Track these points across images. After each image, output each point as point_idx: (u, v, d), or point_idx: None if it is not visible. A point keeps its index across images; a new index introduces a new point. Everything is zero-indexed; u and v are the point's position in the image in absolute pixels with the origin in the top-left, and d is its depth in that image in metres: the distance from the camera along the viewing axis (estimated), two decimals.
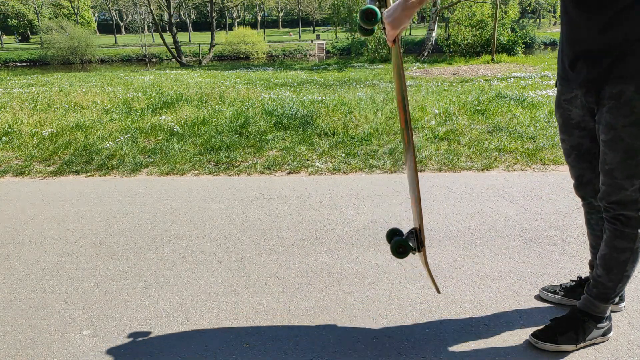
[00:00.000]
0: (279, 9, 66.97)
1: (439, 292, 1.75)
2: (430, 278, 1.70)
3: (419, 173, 3.65)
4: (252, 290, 2.11)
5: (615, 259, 1.56)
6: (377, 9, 1.43)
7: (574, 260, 2.27)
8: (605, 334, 1.69)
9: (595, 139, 1.59)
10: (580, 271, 2.16)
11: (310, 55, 35.27)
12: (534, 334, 1.70)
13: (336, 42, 36.42)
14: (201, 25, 63.67)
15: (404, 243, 1.60)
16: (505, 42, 17.40)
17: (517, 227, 2.64)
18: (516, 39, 17.77)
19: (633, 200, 1.47)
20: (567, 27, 1.50)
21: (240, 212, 2.98)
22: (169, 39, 26.77)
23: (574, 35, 1.47)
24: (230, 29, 50.94)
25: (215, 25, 30.39)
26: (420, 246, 1.62)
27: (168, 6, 26.60)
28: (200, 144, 4.53)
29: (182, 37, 36.64)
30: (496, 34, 15.09)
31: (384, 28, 1.48)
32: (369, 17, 1.43)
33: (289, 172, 3.80)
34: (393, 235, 1.75)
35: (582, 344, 1.66)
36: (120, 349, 1.75)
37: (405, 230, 2.06)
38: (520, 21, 30.41)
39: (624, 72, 1.38)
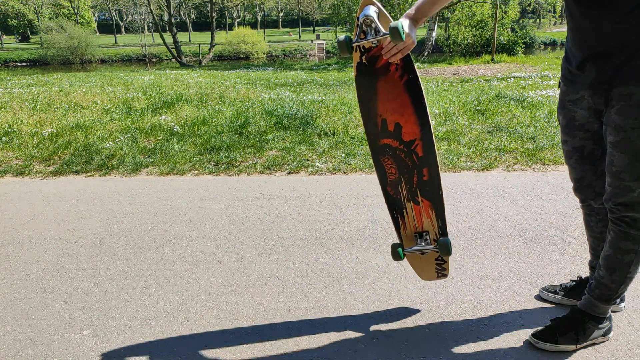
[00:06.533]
0: (279, 9, 66.96)
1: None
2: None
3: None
4: (252, 290, 2.11)
5: (619, 260, 1.56)
6: (401, 31, 1.40)
7: (574, 260, 2.27)
8: (605, 334, 1.69)
9: (598, 142, 1.59)
10: (580, 271, 2.16)
11: (310, 55, 35.27)
12: (534, 334, 1.69)
13: (336, 42, 36.38)
14: (201, 25, 63.65)
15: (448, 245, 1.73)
16: (505, 42, 17.42)
17: (517, 227, 2.64)
18: (516, 39, 17.79)
19: (639, 202, 1.47)
20: (574, 30, 1.49)
21: (240, 212, 2.98)
22: (169, 39, 26.77)
23: (582, 37, 1.46)
24: (230, 29, 50.93)
25: (215, 25, 30.40)
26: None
27: (168, 6, 26.61)
28: (200, 144, 4.53)
29: (182, 37, 36.63)
30: (496, 34, 15.10)
31: (389, 50, 1.50)
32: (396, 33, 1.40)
33: (289, 172, 3.80)
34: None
35: (582, 344, 1.66)
36: (120, 349, 1.75)
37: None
38: (520, 21, 30.43)
39: (634, 74, 1.37)
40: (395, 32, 1.38)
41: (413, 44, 1.48)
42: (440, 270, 1.88)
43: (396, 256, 1.74)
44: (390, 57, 1.51)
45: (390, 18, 1.48)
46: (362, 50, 1.55)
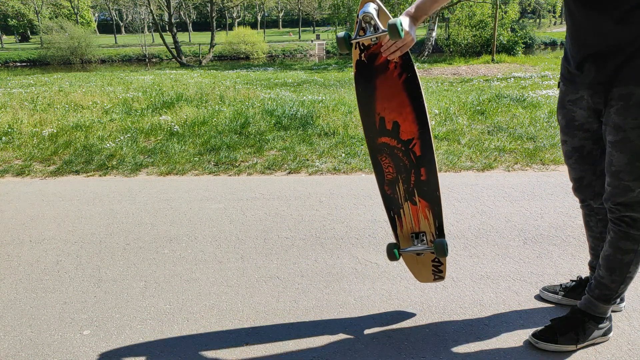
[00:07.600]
0: (279, 9, 66.97)
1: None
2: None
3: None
4: (252, 290, 2.11)
5: (618, 260, 1.56)
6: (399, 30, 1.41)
7: (574, 260, 2.27)
8: (605, 334, 1.69)
9: (598, 142, 1.59)
10: (580, 271, 2.16)
11: (310, 55, 35.28)
12: (534, 334, 1.69)
13: (336, 42, 36.33)
14: (201, 25, 63.64)
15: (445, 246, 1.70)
16: (505, 42, 17.44)
17: (517, 227, 2.64)
18: (516, 39, 17.80)
19: (639, 201, 1.47)
20: (573, 30, 1.48)
21: (240, 212, 2.98)
22: (169, 39, 26.77)
23: (581, 37, 1.46)
24: (230, 29, 50.91)
25: (215, 25, 30.40)
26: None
27: (168, 6, 26.62)
28: (200, 144, 4.53)
29: (182, 37, 36.62)
30: (496, 34, 15.10)
31: (387, 47, 1.51)
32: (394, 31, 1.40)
33: (289, 172, 3.80)
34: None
35: (582, 344, 1.66)
36: (120, 349, 1.75)
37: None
38: (520, 21, 30.45)
39: (634, 74, 1.37)
40: (393, 29, 1.38)
41: (412, 42, 1.48)
42: (437, 272, 1.87)
43: (392, 256, 1.74)
44: (389, 55, 1.51)
45: (390, 16, 1.48)
46: (362, 47, 1.55)
